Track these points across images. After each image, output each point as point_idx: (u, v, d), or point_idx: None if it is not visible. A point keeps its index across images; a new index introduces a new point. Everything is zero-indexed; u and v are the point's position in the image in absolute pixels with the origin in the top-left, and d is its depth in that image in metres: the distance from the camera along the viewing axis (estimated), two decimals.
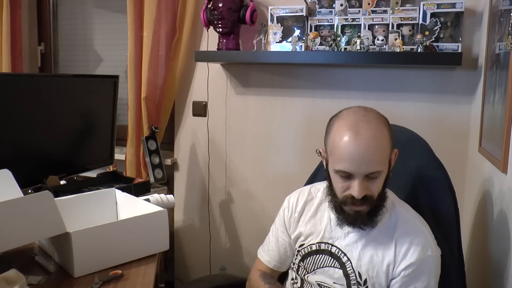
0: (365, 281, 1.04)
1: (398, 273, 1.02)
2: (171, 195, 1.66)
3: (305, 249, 1.14)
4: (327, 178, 1.07)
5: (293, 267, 1.19)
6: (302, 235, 1.15)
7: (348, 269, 1.06)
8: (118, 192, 1.39)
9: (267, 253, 1.23)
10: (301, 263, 1.14)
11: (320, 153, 1.10)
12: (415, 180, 1.24)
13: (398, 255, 1.02)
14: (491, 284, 1.24)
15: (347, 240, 1.08)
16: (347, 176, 0.99)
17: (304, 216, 1.16)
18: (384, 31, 1.73)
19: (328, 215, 1.12)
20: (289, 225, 1.18)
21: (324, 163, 1.08)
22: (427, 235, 1.04)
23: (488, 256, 1.30)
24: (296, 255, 1.16)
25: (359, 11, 1.76)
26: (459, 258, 1.23)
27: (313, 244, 1.12)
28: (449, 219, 1.22)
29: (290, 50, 1.83)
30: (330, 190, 1.06)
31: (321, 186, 1.17)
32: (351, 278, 1.06)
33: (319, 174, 1.40)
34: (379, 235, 1.05)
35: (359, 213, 1.01)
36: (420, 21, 1.67)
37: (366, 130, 0.97)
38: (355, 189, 0.98)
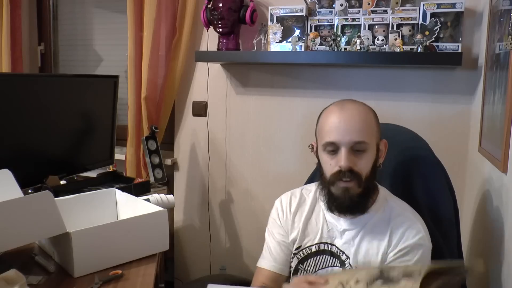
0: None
1: (391, 256, 1.04)
2: (171, 195, 1.66)
3: (303, 251, 1.13)
4: (319, 167, 1.10)
5: (290, 271, 1.16)
6: (298, 238, 1.13)
7: (346, 267, 1.07)
8: (118, 192, 1.39)
9: (270, 257, 1.16)
10: (300, 265, 1.13)
11: (312, 146, 1.13)
12: (414, 179, 1.24)
13: (391, 242, 1.05)
14: (491, 283, 1.24)
15: (344, 238, 1.08)
16: (334, 149, 1.02)
17: (298, 217, 1.15)
18: (384, 31, 1.73)
19: (323, 215, 1.12)
20: (286, 226, 1.16)
21: (315, 154, 1.11)
22: (421, 227, 1.05)
23: (488, 256, 1.30)
24: (293, 258, 1.14)
25: (359, 11, 1.76)
26: (458, 258, 1.23)
27: (312, 245, 1.12)
28: (448, 219, 1.22)
29: (290, 50, 1.83)
30: (321, 176, 1.08)
31: (312, 187, 1.17)
32: None
33: (318, 174, 1.38)
34: (374, 230, 1.06)
35: (347, 192, 1.02)
36: (420, 21, 1.67)
37: (351, 105, 1.06)
38: (341, 159, 1.01)
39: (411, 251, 1.02)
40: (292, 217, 1.15)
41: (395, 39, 1.69)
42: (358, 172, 1.01)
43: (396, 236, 1.04)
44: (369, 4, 1.74)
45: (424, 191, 1.23)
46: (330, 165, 1.04)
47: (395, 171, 1.24)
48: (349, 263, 1.07)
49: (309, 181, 1.41)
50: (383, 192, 1.12)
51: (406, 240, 1.03)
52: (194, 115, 2.20)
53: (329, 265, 1.09)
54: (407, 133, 1.33)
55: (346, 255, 1.07)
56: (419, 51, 1.63)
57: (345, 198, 1.03)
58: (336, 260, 1.08)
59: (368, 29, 1.75)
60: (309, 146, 1.16)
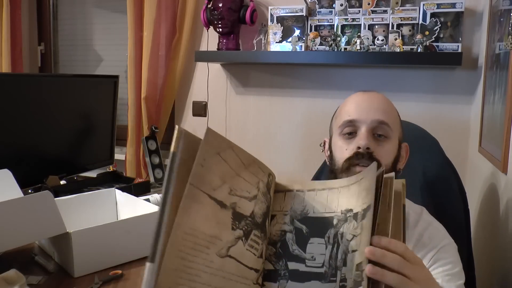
0: None
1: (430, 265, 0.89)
2: None
3: None
4: (329, 163, 0.98)
5: None
6: None
7: None
8: (118, 192, 1.39)
9: None
10: None
11: (324, 142, 1.01)
12: (422, 180, 1.19)
13: (416, 247, 0.91)
14: (495, 284, 1.24)
15: None
16: (353, 131, 0.90)
17: None
18: (384, 31, 1.73)
19: None
20: None
21: (327, 151, 0.98)
22: (439, 227, 0.96)
23: (489, 256, 1.30)
24: None
25: (359, 11, 1.76)
26: (468, 264, 1.17)
27: None
28: (458, 222, 1.16)
29: (290, 50, 1.83)
30: (330, 171, 0.95)
31: None
32: None
33: (322, 175, 1.35)
34: None
35: None
36: (420, 21, 1.67)
37: (374, 92, 0.97)
38: (361, 137, 0.87)
39: (440, 252, 0.90)
40: None
41: (395, 39, 1.69)
42: (378, 159, 0.86)
43: (421, 241, 0.91)
44: (369, 4, 1.74)
45: (432, 191, 1.18)
46: (346, 150, 0.89)
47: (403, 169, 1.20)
48: None
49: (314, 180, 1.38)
50: None
51: (433, 242, 0.91)
52: (194, 115, 2.20)
53: None
54: (416, 130, 1.27)
55: None
56: (419, 51, 1.63)
57: None
58: None
59: (368, 29, 1.75)
60: (320, 144, 1.04)
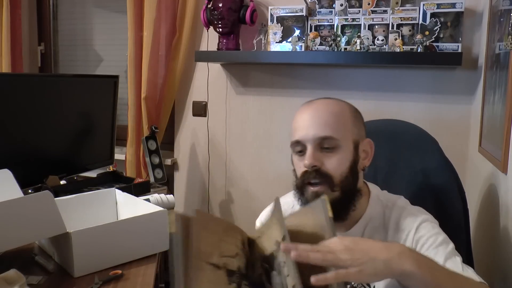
0: (368, 284, 0.94)
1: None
2: (171, 195, 1.66)
3: None
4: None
5: None
6: None
7: (353, 283, 0.95)
8: (118, 192, 1.39)
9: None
10: None
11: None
12: (421, 179, 1.18)
13: (396, 234, 0.93)
14: (494, 285, 1.24)
15: None
16: (302, 149, 0.93)
17: None
18: (384, 31, 1.73)
19: None
20: None
21: (292, 170, 1.00)
22: (416, 211, 0.95)
23: (488, 256, 1.30)
24: None
25: (359, 11, 1.76)
26: (467, 264, 1.14)
27: None
28: (457, 222, 1.16)
29: (290, 50, 1.83)
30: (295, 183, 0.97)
31: (288, 198, 1.06)
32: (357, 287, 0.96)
33: None
34: (372, 232, 0.95)
35: (317, 197, 0.83)
36: (420, 21, 1.67)
37: (320, 101, 0.97)
38: (306, 157, 0.90)
39: (424, 239, 0.89)
40: None
41: (395, 39, 1.69)
42: (328, 172, 0.89)
43: (397, 233, 0.92)
44: (369, 4, 1.74)
45: (431, 192, 1.18)
46: (300, 168, 0.93)
47: (400, 170, 1.21)
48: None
49: None
50: (375, 190, 1.00)
51: (409, 232, 0.91)
52: (194, 115, 2.20)
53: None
54: (415, 131, 1.26)
55: None
56: (419, 51, 1.63)
57: None
58: None
59: (368, 29, 1.75)
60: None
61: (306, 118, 0.94)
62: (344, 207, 0.92)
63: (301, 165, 0.92)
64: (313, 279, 0.63)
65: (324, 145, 0.91)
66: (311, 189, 0.91)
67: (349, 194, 0.93)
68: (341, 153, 0.91)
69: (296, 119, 0.97)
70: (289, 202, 1.07)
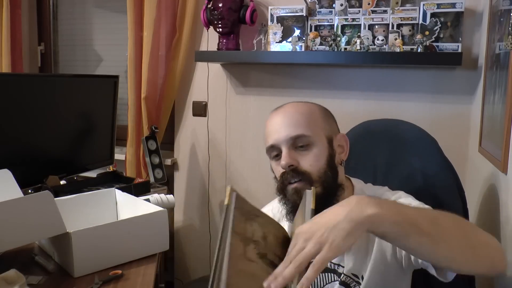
0: (362, 276, 0.96)
1: None
2: (171, 195, 1.66)
3: None
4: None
5: None
6: None
7: (342, 277, 0.98)
8: (118, 192, 1.39)
9: None
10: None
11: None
12: (421, 180, 1.18)
13: None
14: (495, 285, 1.24)
15: None
16: (278, 153, 0.95)
17: None
18: (384, 31, 1.73)
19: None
20: None
21: (273, 176, 1.03)
22: (398, 191, 0.97)
23: None
24: None
25: (359, 11, 1.76)
26: None
27: None
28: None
29: (290, 50, 1.83)
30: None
31: (273, 204, 1.08)
32: (349, 283, 0.97)
33: None
34: None
35: (299, 193, 0.91)
36: (420, 21, 1.67)
37: (288, 104, 1.00)
38: (282, 158, 0.92)
39: None
40: None
41: (395, 39, 1.69)
42: (305, 170, 0.91)
43: None
44: (369, 4, 1.74)
45: (430, 192, 1.17)
46: (278, 172, 0.95)
47: (399, 170, 1.22)
48: (344, 273, 0.97)
49: None
50: (359, 185, 1.02)
51: None
52: (194, 115, 2.20)
53: (327, 282, 0.99)
54: (415, 131, 1.26)
55: (341, 266, 0.98)
56: (419, 51, 1.63)
57: (296, 201, 0.91)
58: (333, 275, 0.99)
59: (368, 29, 1.75)
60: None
61: (277, 122, 0.97)
62: (327, 201, 0.90)
63: (279, 169, 0.94)
64: (299, 287, 0.62)
65: (298, 144, 0.93)
66: (292, 186, 0.93)
67: (330, 189, 0.94)
68: (316, 150, 0.93)
69: (267, 125, 1.00)
70: (275, 207, 1.10)
